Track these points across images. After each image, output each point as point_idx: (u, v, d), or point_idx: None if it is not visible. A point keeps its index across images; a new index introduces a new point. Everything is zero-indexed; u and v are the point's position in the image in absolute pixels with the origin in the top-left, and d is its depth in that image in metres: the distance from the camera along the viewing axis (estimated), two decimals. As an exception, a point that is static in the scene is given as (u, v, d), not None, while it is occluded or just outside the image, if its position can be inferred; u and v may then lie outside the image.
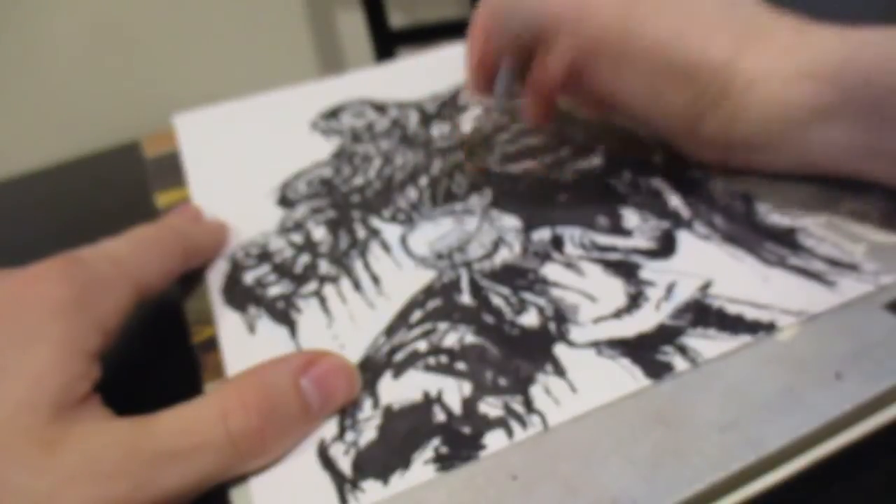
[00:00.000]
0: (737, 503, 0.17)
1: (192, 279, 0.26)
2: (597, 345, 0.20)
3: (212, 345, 0.23)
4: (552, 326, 0.21)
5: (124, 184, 0.37)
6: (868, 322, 0.20)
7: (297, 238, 0.27)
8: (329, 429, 0.19)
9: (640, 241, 0.24)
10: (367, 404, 0.19)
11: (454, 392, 0.19)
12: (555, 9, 0.25)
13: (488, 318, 0.22)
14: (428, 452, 0.18)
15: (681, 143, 0.27)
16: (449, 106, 0.36)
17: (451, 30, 0.98)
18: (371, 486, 0.17)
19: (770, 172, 0.26)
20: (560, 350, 0.20)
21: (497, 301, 0.22)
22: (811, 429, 0.17)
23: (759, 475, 0.17)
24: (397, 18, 1.02)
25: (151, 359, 0.25)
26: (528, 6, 0.26)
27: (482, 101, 0.33)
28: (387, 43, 0.99)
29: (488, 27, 0.28)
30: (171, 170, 0.34)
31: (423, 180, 0.30)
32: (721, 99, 0.24)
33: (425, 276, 0.24)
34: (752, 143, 0.25)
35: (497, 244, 0.25)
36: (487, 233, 0.26)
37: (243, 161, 0.34)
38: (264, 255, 0.27)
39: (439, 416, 0.19)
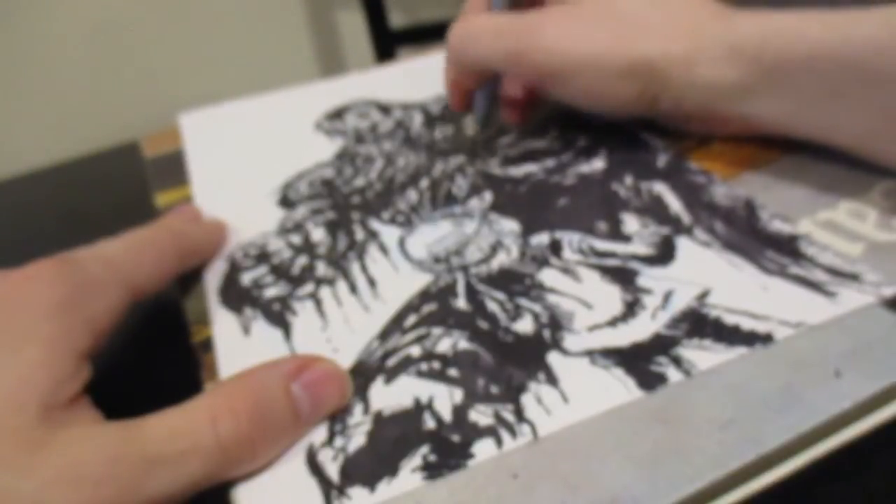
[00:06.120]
0: (737, 501, 0.17)
1: (192, 279, 0.26)
2: (591, 353, 0.20)
3: (212, 344, 0.23)
4: (546, 334, 0.21)
5: (124, 184, 0.37)
6: (867, 320, 0.19)
7: (296, 239, 0.27)
8: (318, 434, 0.19)
9: (640, 247, 0.24)
10: (358, 409, 0.19)
11: (445, 399, 0.19)
12: (500, 47, 0.28)
13: (483, 324, 0.21)
14: (416, 460, 0.17)
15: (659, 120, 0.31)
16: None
17: (450, 30, 0.97)
18: (357, 494, 0.17)
19: (729, 135, 0.29)
20: (553, 358, 0.20)
21: (492, 306, 0.22)
22: (811, 426, 0.17)
23: (759, 473, 0.17)
24: (397, 18, 1.02)
25: (152, 358, 0.25)
26: (479, 45, 0.29)
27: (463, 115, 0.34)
28: (387, 43, 0.98)
29: (453, 58, 0.31)
30: (170, 170, 0.34)
31: (424, 182, 0.30)
32: (665, 84, 0.27)
33: (422, 280, 0.24)
34: (703, 115, 0.28)
35: (495, 248, 0.25)
36: (486, 236, 0.25)
37: (247, 161, 0.34)
38: (262, 256, 0.27)
39: (429, 423, 0.18)
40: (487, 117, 0.32)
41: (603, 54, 0.27)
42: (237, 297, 0.25)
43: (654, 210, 0.25)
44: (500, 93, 0.32)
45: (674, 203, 0.26)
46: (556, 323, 0.21)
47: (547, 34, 0.28)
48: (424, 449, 0.18)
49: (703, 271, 0.22)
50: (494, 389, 0.19)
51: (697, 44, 0.26)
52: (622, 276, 0.22)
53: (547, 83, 0.29)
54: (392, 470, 0.17)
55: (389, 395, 0.19)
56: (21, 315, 0.18)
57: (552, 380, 0.19)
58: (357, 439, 0.18)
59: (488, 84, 0.31)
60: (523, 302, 0.22)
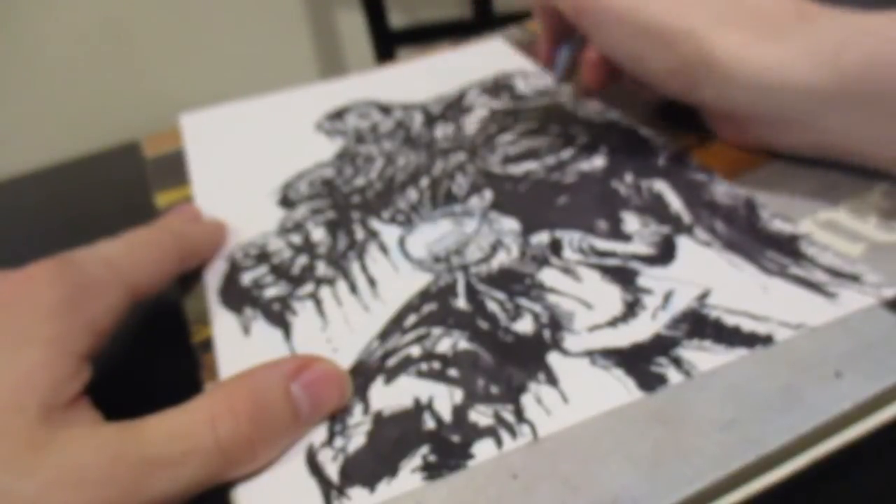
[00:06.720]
0: (737, 502, 0.17)
1: (192, 279, 0.26)
2: (591, 354, 0.20)
3: (212, 344, 0.23)
4: (546, 334, 0.21)
5: (124, 184, 0.37)
6: (868, 320, 0.19)
7: (296, 239, 0.27)
8: (318, 434, 0.19)
9: (640, 246, 0.24)
10: (358, 409, 0.19)
11: (445, 399, 0.19)
12: None
13: (483, 324, 0.21)
14: (416, 460, 0.17)
15: (702, 115, 0.29)
16: (453, 108, 0.36)
17: (451, 30, 0.97)
18: (357, 494, 0.17)
19: (784, 153, 0.26)
20: (553, 358, 0.20)
21: (492, 306, 0.22)
22: (811, 427, 0.17)
23: (759, 474, 0.17)
24: (397, 18, 1.02)
25: (152, 358, 0.25)
26: None
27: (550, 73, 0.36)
28: (387, 43, 0.99)
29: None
30: (171, 170, 0.34)
31: (424, 181, 0.30)
32: (708, 67, 0.24)
33: (422, 280, 0.24)
34: (752, 117, 0.26)
35: (495, 247, 0.25)
36: (486, 236, 0.25)
37: (247, 161, 0.34)
38: (263, 256, 0.26)
39: (429, 423, 0.18)
40: (566, 74, 0.33)
41: (642, 9, 0.25)
42: (237, 297, 0.25)
43: (655, 208, 0.25)
44: (584, 53, 0.33)
45: (674, 201, 0.26)
46: (556, 323, 0.21)
47: None
48: (424, 449, 0.18)
49: (704, 271, 0.22)
50: (494, 389, 0.19)
51: (764, 38, 0.23)
52: (622, 276, 0.22)
53: (587, 25, 0.27)
54: (392, 470, 0.17)
55: (389, 395, 0.19)
56: (21, 316, 0.18)
57: (552, 380, 0.19)
58: (357, 439, 0.18)
59: (570, 41, 0.32)
60: (523, 302, 0.22)
